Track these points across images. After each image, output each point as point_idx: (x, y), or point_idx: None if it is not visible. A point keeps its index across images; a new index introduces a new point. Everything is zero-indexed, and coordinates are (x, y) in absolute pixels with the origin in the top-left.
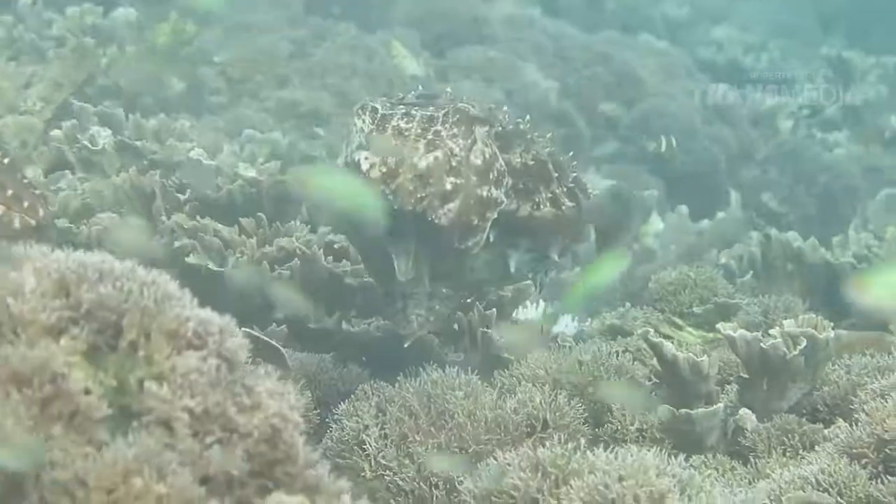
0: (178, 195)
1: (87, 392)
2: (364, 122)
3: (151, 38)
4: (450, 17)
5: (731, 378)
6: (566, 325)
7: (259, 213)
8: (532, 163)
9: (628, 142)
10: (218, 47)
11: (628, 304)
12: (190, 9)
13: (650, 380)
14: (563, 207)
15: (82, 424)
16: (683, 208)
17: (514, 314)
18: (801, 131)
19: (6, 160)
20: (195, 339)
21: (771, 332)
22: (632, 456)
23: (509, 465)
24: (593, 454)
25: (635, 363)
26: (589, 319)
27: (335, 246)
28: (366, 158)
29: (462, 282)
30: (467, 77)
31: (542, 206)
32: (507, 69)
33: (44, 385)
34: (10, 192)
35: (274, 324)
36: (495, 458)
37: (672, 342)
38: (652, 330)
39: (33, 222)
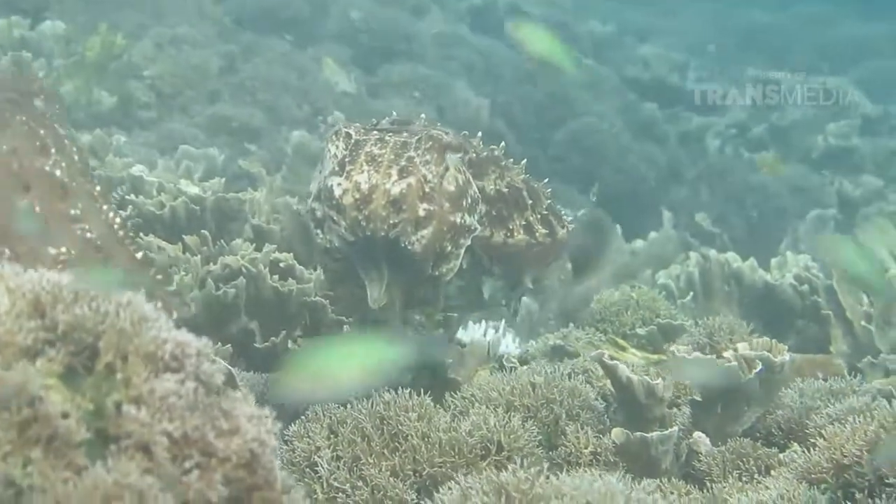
0: (120, 212)
1: (66, 415)
2: (338, 147)
3: (80, 51)
4: (380, 33)
5: (680, 401)
6: (508, 345)
7: (203, 231)
8: (506, 190)
9: (559, 161)
10: (148, 61)
11: (571, 325)
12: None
13: (602, 401)
14: (537, 234)
15: (61, 448)
16: (616, 228)
17: (457, 335)
18: (729, 150)
19: (139, 255)
20: (172, 362)
21: (725, 354)
22: (598, 481)
23: (471, 488)
24: (558, 479)
25: (587, 385)
26: (531, 341)
27: (280, 264)
28: (339, 185)
29: (436, 309)
30: (399, 94)
31: (515, 234)
32: (439, 86)
33: (21, 408)
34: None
35: (220, 342)
36: (456, 482)
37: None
38: (607, 352)
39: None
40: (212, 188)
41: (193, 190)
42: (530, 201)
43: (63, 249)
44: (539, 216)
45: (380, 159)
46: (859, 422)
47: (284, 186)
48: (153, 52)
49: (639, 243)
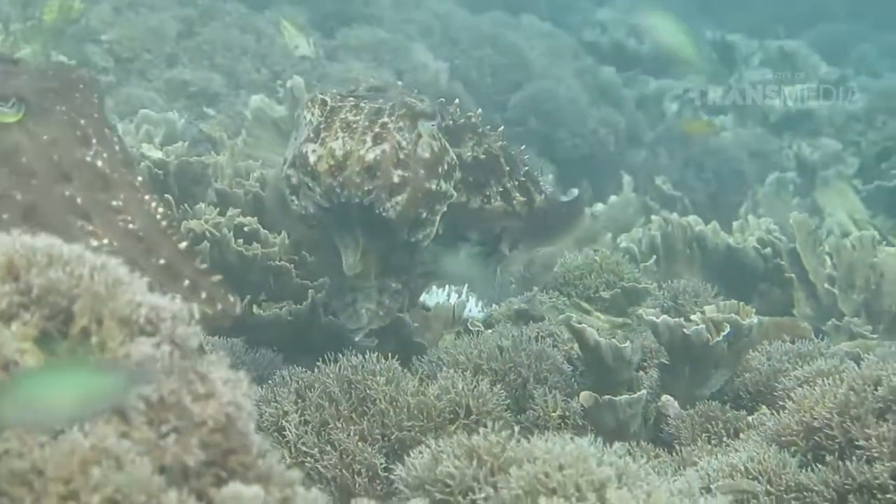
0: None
1: None
2: (313, 114)
3: (38, 15)
4: None
5: (646, 364)
6: (471, 309)
7: (166, 195)
8: (484, 157)
9: (517, 124)
10: (105, 25)
11: (535, 289)
12: None
13: (569, 364)
14: (514, 202)
15: None
16: (575, 191)
17: (422, 299)
18: (687, 114)
19: (182, 245)
20: (147, 326)
21: (693, 317)
22: (570, 444)
23: (442, 452)
24: (529, 442)
25: (554, 349)
26: (493, 304)
27: (245, 228)
28: (313, 151)
29: (412, 276)
30: (357, 58)
31: (493, 200)
32: (397, 50)
33: None
34: (186, 282)
35: None
36: (427, 446)
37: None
38: (574, 315)
39: (210, 311)
40: (175, 152)
41: (156, 154)
42: (507, 168)
43: (105, 241)
44: (517, 183)
45: (354, 126)
46: (829, 384)
47: (245, 150)
48: (111, 16)
49: (599, 207)
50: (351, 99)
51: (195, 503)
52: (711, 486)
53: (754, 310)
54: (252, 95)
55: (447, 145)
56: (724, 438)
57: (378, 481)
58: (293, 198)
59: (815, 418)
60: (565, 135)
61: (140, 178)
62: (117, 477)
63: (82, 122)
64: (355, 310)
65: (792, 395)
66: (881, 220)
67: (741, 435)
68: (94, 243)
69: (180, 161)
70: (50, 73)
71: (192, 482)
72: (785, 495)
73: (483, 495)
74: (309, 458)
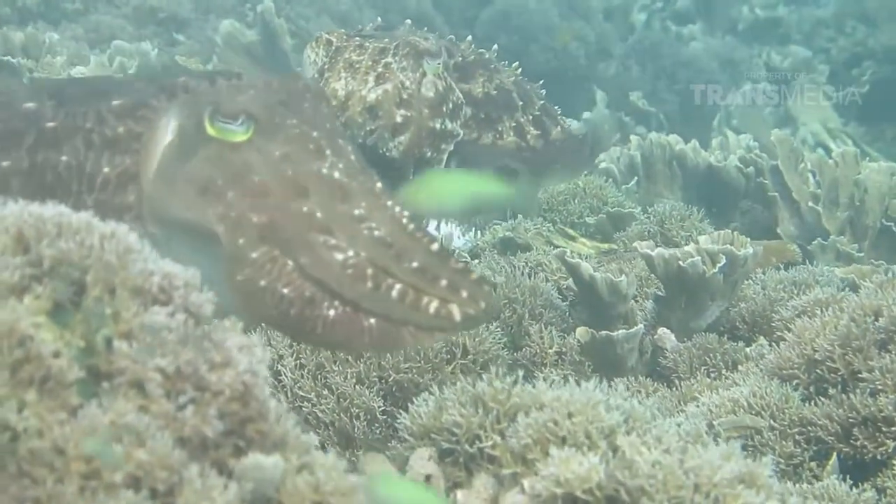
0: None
1: (57, 354)
2: (317, 54)
3: None
4: None
5: (638, 294)
6: (457, 239)
7: None
8: (495, 92)
9: (487, 40)
10: None
11: (519, 216)
12: None
13: (562, 298)
14: (528, 136)
15: (55, 389)
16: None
17: None
18: (655, 25)
19: (434, 246)
20: (161, 294)
21: (687, 248)
22: (577, 390)
23: (447, 400)
24: (534, 388)
25: (547, 282)
26: (477, 232)
27: None
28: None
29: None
30: None
31: (505, 136)
32: None
33: (13, 348)
34: (444, 282)
35: None
36: (431, 393)
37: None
38: (568, 250)
39: (472, 312)
40: None
41: None
42: (521, 103)
43: (350, 253)
44: (531, 117)
45: (357, 66)
46: (829, 315)
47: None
48: None
49: (574, 124)
50: (356, 39)
51: (216, 476)
52: (714, 423)
53: (748, 240)
54: (222, 20)
55: (453, 84)
56: (723, 371)
57: (377, 424)
58: None
59: (817, 350)
60: (536, 50)
61: (379, 184)
62: (139, 453)
63: (314, 133)
64: None
65: (791, 326)
66: (853, 128)
67: (739, 367)
68: (341, 257)
69: None
70: (275, 84)
71: (210, 453)
72: (789, 430)
73: (490, 443)
74: (306, 403)
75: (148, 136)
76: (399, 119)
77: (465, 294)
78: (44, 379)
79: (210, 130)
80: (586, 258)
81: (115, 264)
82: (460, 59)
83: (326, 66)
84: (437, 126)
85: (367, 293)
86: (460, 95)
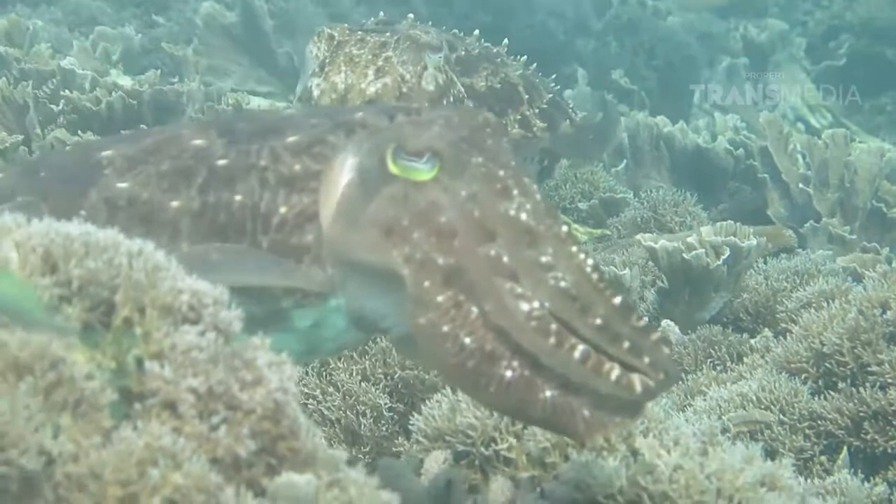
0: (52, 106)
1: (90, 377)
2: (319, 49)
3: None
4: None
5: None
6: None
7: (142, 126)
8: (499, 86)
9: (466, 18)
10: None
11: None
12: None
13: None
14: (535, 128)
15: (88, 412)
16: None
17: None
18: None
19: (617, 300)
20: (190, 313)
21: (689, 240)
22: None
23: (460, 402)
24: None
25: None
26: None
27: None
28: (317, 85)
29: None
30: None
31: (510, 128)
32: None
33: (45, 372)
34: (626, 343)
35: None
36: (443, 394)
37: None
38: None
39: (651, 383)
40: (147, 81)
41: (126, 82)
42: (527, 96)
43: (536, 305)
44: (538, 111)
45: (357, 59)
46: (836, 308)
47: (200, 62)
48: None
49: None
50: (358, 33)
51: (251, 497)
52: (723, 418)
53: (751, 231)
54: (202, 2)
55: (454, 78)
56: (728, 363)
57: (383, 421)
58: None
59: (825, 344)
60: (515, 27)
61: (565, 228)
62: (175, 477)
63: (501, 172)
64: None
65: (796, 317)
66: (833, 102)
67: (745, 359)
68: (526, 308)
69: (154, 90)
70: (455, 119)
71: (243, 473)
72: (798, 424)
73: (506, 445)
74: (311, 400)
75: (326, 175)
76: None
77: (646, 360)
78: (77, 402)
79: (393, 169)
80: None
81: (144, 283)
82: (464, 53)
83: (327, 60)
84: None
85: (548, 349)
86: (462, 89)
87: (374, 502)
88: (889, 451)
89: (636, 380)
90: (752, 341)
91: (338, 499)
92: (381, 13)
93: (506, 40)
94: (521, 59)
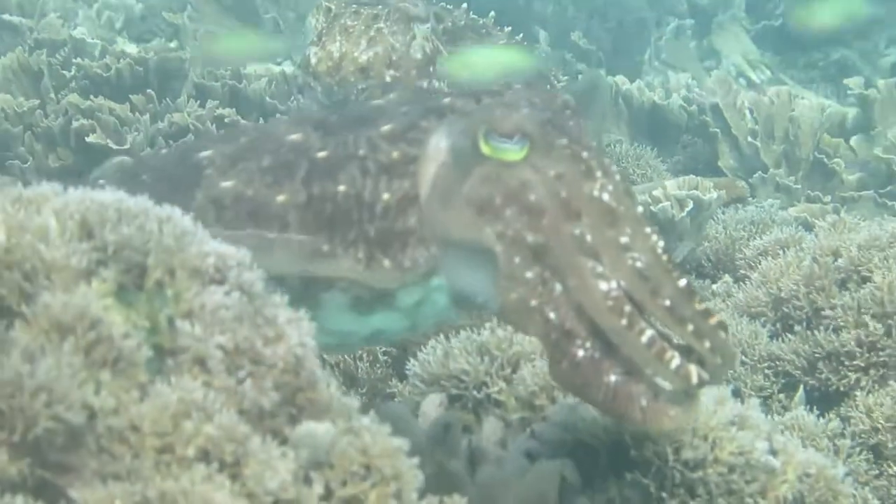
0: (65, 73)
1: (127, 335)
2: (318, 20)
3: None
4: None
5: None
6: None
7: (148, 90)
8: None
9: None
10: None
11: None
12: None
13: None
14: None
15: (126, 369)
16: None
17: None
18: None
19: (682, 282)
20: (216, 274)
21: (655, 193)
22: None
23: (453, 348)
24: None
25: None
26: None
27: (225, 119)
28: (315, 54)
29: None
30: None
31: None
32: None
33: (86, 331)
34: (690, 326)
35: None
36: (438, 342)
37: None
38: None
39: (706, 377)
40: (153, 48)
41: (132, 49)
42: None
43: (613, 285)
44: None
45: (352, 30)
46: (791, 256)
47: (198, 29)
48: None
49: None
50: (353, 6)
51: (276, 446)
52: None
53: (712, 184)
54: None
55: (441, 47)
56: None
57: (378, 365)
58: (299, 96)
59: (782, 290)
60: None
61: (640, 208)
62: (207, 428)
63: (584, 154)
64: None
65: (754, 265)
66: (769, 58)
67: (708, 304)
68: (604, 287)
69: (160, 57)
70: (537, 100)
71: (267, 423)
72: (758, 365)
73: (496, 389)
74: None
75: (421, 159)
76: (388, 78)
77: (707, 343)
78: (116, 359)
79: (485, 150)
80: None
81: (173, 247)
82: (450, 24)
83: (324, 31)
84: (425, 85)
85: (619, 329)
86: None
87: (386, 448)
88: (841, 389)
89: (693, 370)
90: (714, 287)
91: (353, 445)
92: None
93: (492, 13)
94: (507, 29)
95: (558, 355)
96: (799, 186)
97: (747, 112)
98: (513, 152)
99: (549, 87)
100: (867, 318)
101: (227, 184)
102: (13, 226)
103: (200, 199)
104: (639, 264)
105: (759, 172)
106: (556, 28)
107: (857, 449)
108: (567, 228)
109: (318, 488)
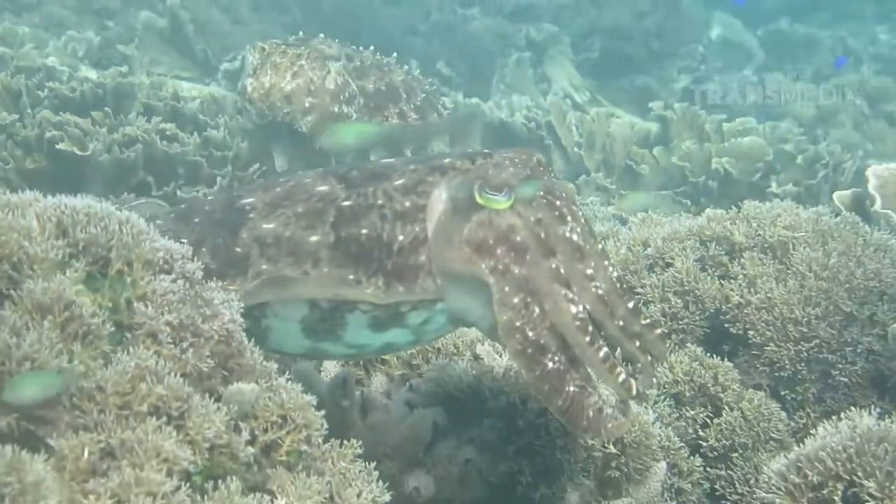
0: (39, 93)
1: (94, 314)
2: (254, 57)
3: None
4: None
5: None
6: None
7: (106, 108)
8: (384, 88)
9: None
10: None
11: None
12: None
13: None
14: (409, 119)
15: (94, 341)
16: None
17: None
18: (447, 8)
19: (631, 304)
20: (165, 265)
21: None
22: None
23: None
24: None
25: None
26: None
27: (167, 132)
28: (250, 84)
29: None
30: None
31: (389, 118)
32: None
33: (62, 311)
34: (637, 342)
35: (125, 192)
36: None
37: None
38: None
39: (643, 389)
40: (109, 75)
41: (93, 75)
42: (405, 95)
43: (581, 308)
44: (413, 106)
45: (279, 66)
46: (611, 245)
47: (143, 58)
48: None
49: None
50: (282, 46)
51: (212, 402)
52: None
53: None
54: (142, 11)
55: (350, 80)
56: None
57: None
58: (238, 117)
59: None
60: (365, 31)
61: (600, 246)
62: (158, 389)
63: (557, 202)
64: None
65: None
66: (589, 83)
67: None
68: (574, 310)
69: (115, 82)
70: (517, 160)
71: (205, 383)
72: None
73: None
74: None
75: (428, 208)
76: (307, 104)
77: (649, 358)
78: (85, 334)
79: (480, 201)
80: None
81: (131, 243)
82: (359, 63)
83: (258, 66)
84: (336, 110)
85: (583, 344)
86: (355, 89)
87: (298, 402)
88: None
89: (633, 384)
90: None
91: (272, 400)
92: (301, 32)
93: (395, 53)
94: (405, 67)
95: (533, 366)
96: (614, 187)
97: (574, 128)
98: (502, 202)
99: (436, 115)
100: (670, 295)
101: (268, 226)
102: (3, 226)
103: (245, 237)
104: (600, 291)
105: (584, 176)
106: (424, 58)
107: (662, 397)
108: (545, 263)
109: (245, 435)
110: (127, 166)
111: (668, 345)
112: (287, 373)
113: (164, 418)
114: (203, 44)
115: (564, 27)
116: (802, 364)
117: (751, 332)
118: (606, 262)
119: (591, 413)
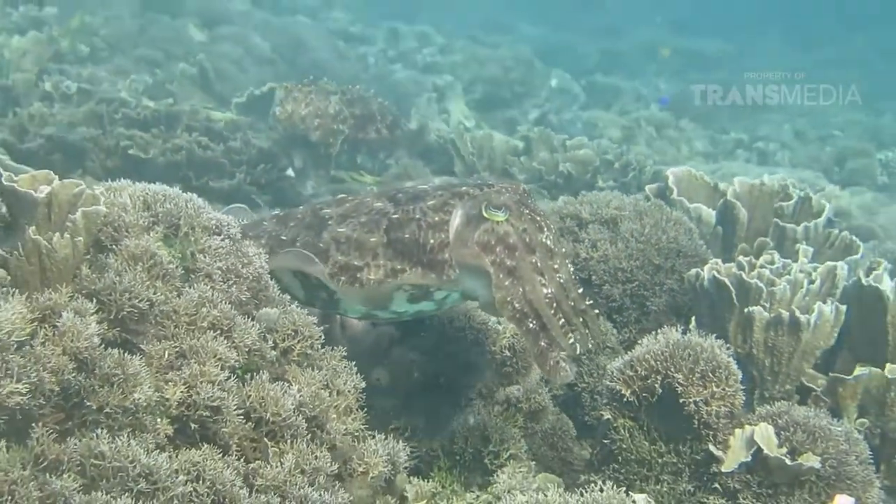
0: (115, 115)
1: (170, 262)
2: (280, 93)
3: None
4: None
5: None
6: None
7: (160, 126)
8: (366, 112)
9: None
10: (98, 26)
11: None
12: None
13: None
14: (382, 133)
15: (170, 280)
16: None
17: None
18: (380, 63)
19: (580, 289)
20: (216, 229)
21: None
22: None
23: None
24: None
25: None
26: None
27: (202, 143)
28: (278, 110)
29: (328, 170)
30: None
31: (370, 133)
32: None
33: (148, 259)
34: (581, 319)
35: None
36: None
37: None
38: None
39: (581, 348)
40: (164, 104)
41: (152, 104)
42: (379, 117)
43: (549, 290)
44: (385, 125)
45: (298, 98)
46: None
47: (179, 93)
48: (100, 21)
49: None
50: (299, 86)
51: (248, 321)
52: None
53: (457, 181)
54: (180, 63)
55: (343, 108)
56: None
57: None
58: (271, 133)
59: None
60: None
61: (564, 249)
62: (214, 311)
63: (538, 217)
64: (304, 185)
65: None
66: (475, 114)
67: None
68: (545, 291)
69: (167, 109)
70: (510, 188)
71: (244, 308)
72: None
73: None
74: None
75: (451, 221)
76: (315, 124)
77: (586, 330)
78: (164, 275)
79: (486, 215)
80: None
81: (193, 215)
82: (349, 96)
83: (283, 98)
84: (335, 127)
85: (549, 316)
86: (347, 114)
87: (305, 320)
88: None
89: (577, 345)
90: None
91: (288, 318)
92: (311, 76)
93: (372, 90)
94: (378, 99)
95: (521, 326)
96: (494, 183)
97: (469, 143)
98: (500, 217)
99: (399, 130)
100: None
101: (342, 230)
102: (108, 202)
103: (326, 238)
104: (561, 280)
105: (475, 175)
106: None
107: None
108: (528, 258)
109: (270, 343)
110: (175, 165)
111: (600, 319)
112: (295, 303)
113: (218, 331)
114: (220, 86)
115: (458, 77)
116: (627, 298)
117: (593, 277)
118: (567, 261)
119: (551, 363)
